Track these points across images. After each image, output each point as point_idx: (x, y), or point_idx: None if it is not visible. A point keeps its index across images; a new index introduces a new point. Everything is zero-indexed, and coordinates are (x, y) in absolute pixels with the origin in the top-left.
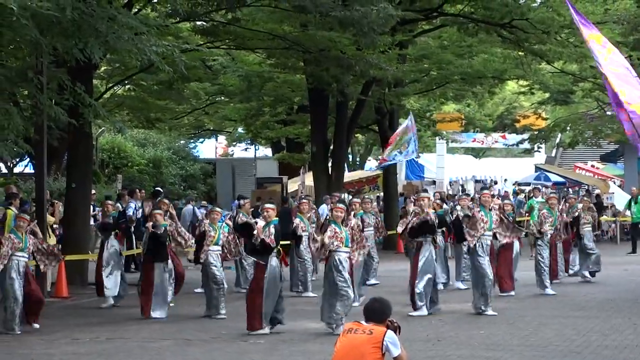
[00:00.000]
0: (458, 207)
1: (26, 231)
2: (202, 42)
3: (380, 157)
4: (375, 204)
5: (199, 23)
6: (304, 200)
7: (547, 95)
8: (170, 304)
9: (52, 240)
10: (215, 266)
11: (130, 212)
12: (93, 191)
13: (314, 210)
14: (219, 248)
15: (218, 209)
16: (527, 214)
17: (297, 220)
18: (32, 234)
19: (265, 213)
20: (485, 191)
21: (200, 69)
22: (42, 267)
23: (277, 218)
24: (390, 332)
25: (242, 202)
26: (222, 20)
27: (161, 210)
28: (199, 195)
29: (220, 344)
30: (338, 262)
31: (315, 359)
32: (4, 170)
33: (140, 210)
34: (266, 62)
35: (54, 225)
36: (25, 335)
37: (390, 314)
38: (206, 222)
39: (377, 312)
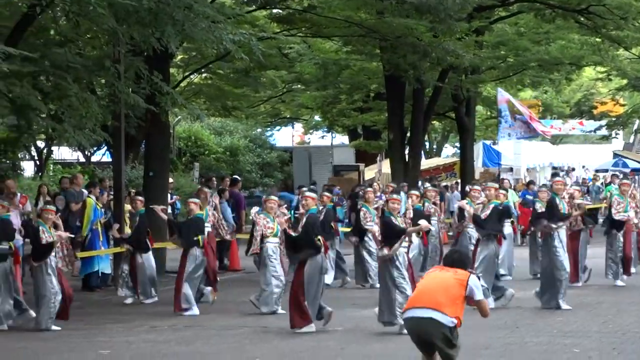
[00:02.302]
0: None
1: (52, 225)
2: (278, 30)
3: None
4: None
5: (275, 11)
6: (370, 189)
7: (624, 81)
8: (210, 302)
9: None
10: (276, 259)
11: None
12: (171, 180)
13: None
14: (278, 240)
15: (274, 197)
16: (604, 201)
17: (363, 210)
18: (55, 227)
19: (303, 201)
20: (557, 178)
21: (276, 57)
22: (60, 264)
23: (315, 207)
24: (474, 277)
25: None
26: (299, 8)
27: (197, 200)
28: (275, 184)
29: (299, 331)
30: (395, 256)
31: (392, 345)
32: (82, 159)
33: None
34: (342, 50)
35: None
36: (105, 323)
37: (470, 264)
38: (261, 214)
39: (457, 261)
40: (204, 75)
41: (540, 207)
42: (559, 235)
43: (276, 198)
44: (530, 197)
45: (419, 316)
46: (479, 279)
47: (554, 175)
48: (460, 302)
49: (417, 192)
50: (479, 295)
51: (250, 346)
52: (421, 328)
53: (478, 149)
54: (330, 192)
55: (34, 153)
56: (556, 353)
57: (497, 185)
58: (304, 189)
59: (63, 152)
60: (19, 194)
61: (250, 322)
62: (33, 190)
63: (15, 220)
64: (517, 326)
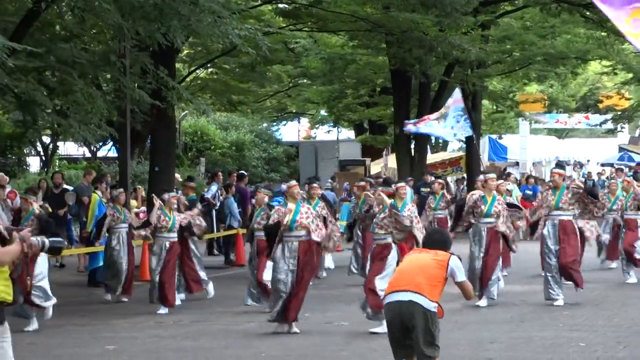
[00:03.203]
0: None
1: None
2: (284, 25)
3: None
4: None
5: (281, 5)
6: (362, 183)
7: (630, 75)
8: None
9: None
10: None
11: (209, 195)
12: (177, 175)
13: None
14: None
15: (264, 190)
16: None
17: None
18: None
19: (257, 195)
20: (556, 170)
21: (282, 51)
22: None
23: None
24: (455, 258)
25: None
26: (304, 3)
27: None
28: (281, 178)
29: (305, 326)
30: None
31: None
32: (88, 154)
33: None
34: (348, 44)
35: (137, 209)
36: (110, 319)
37: (451, 246)
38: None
39: (437, 242)
40: (209, 70)
41: None
42: (552, 225)
43: (266, 191)
44: (529, 192)
45: (399, 300)
46: (461, 260)
47: (558, 165)
48: (440, 285)
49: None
50: (460, 277)
51: (256, 341)
52: (403, 311)
53: (484, 144)
54: (318, 180)
55: (39, 148)
56: (562, 347)
57: (495, 176)
58: (314, 184)
59: (69, 148)
60: (8, 188)
61: (255, 317)
62: None
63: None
64: (523, 320)
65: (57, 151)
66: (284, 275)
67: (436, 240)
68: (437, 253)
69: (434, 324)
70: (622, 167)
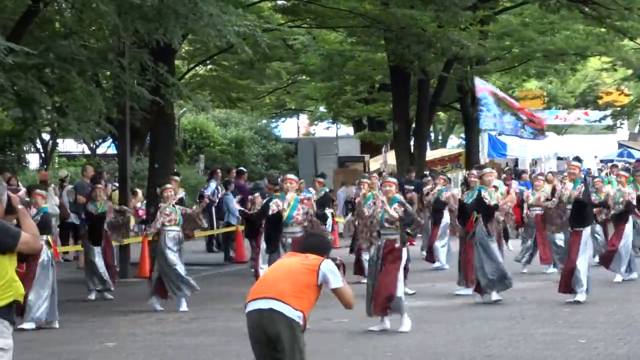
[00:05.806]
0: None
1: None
2: (283, 22)
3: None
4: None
5: (280, 2)
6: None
7: (629, 71)
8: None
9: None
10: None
11: (208, 192)
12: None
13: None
14: None
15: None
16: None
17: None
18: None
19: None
20: (574, 162)
21: (281, 48)
22: None
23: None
24: (328, 261)
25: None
26: None
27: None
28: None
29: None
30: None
31: (399, 338)
32: (87, 152)
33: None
34: (347, 41)
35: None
36: (110, 316)
37: (330, 251)
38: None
39: (312, 245)
40: (208, 67)
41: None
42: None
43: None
44: (521, 187)
45: (259, 308)
46: (342, 266)
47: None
48: (310, 292)
49: (367, 181)
50: (335, 283)
51: None
52: (263, 321)
53: (483, 140)
54: (323, 177)
55: (39, 145)
56: (562, 343)
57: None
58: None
59: (68, 145)
60: None
61: None
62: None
63: None
64: (523, 317)
65: (57, 148)
66: None
67: (311, 244)
68: (308, 257)
69: (297, 334)
70: (617, 163)
